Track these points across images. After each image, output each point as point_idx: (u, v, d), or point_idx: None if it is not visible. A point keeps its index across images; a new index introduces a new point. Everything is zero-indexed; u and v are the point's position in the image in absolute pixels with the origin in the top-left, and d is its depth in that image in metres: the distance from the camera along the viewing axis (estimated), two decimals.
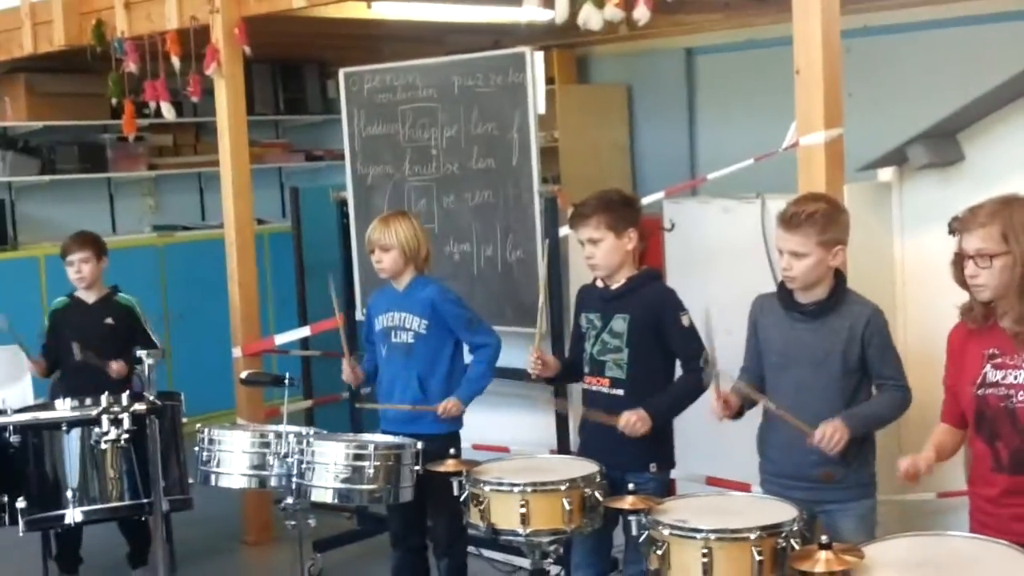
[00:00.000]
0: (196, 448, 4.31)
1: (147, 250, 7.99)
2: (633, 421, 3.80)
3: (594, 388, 3.98)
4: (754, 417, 3.66)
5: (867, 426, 3.52)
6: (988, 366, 2.97)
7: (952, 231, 2.99)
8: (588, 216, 3.92)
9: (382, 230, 4.34)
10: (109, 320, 5.33)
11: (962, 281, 2.99)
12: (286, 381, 4.39)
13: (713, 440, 3.78)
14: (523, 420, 5.35)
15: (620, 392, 3.91)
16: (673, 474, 4.81)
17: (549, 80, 7.04)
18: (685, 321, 3.92)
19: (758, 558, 3.04)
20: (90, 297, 5.35)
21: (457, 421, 4.39)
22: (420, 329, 4.36)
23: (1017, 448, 2.89)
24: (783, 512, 3.21)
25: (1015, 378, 2.92)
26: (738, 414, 3.66)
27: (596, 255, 3.93)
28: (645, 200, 5.02)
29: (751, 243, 4.80)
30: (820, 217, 3.44)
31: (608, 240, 3.91)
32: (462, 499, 3.70)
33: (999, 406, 2.94)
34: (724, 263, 4.95)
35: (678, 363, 3.98)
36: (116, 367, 5.07)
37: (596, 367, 3.98)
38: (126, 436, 4.46)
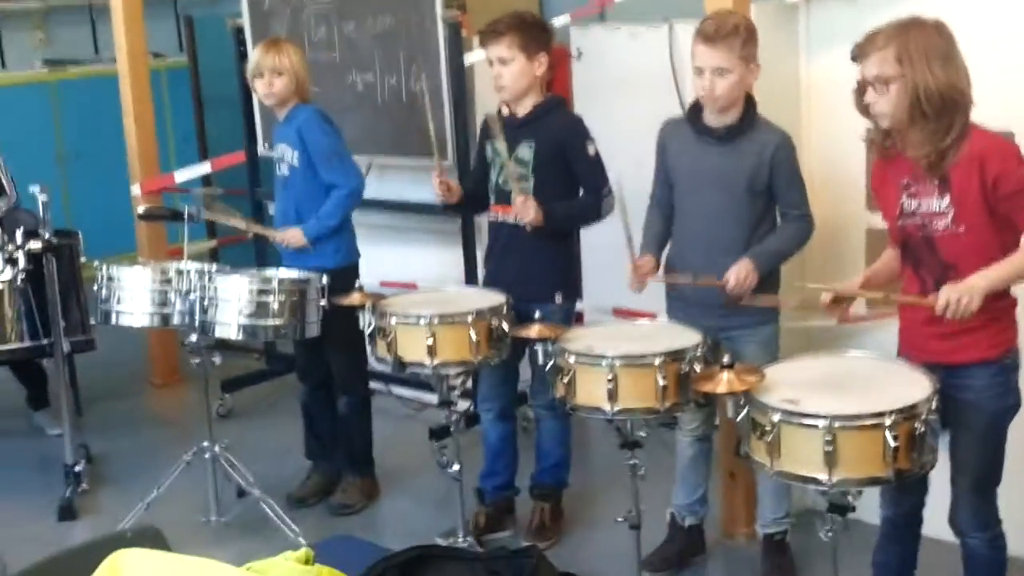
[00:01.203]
0: (95, 287, 4.20)
1: (38, 87, 7.70)
2: (529, 206, 3.74)
3: (500, 218, 3.93)
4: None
5: (774, 262, 3.54)
6: (904, 196, 2.95)
7: (854, 57, 2.94)
8: (501, 34, 3.80)
9: (273, 54, 4.16)
10: None
11: (864, 109, 2.95)
12: (186, 214, 4.27)
13: (619, 271, 3.76)
14: (431, 256, 5.30)
15: (529, 185, 3.85)
16: (580, 306, 4.84)
17: None
18: (591, 150, 3.87)
19: (662, 382, 3.08)
20: None
21: (352, 251, 4.32)
22: (293, 161, 4.23)
23: (939, 276, 2.89)
24: (687, 338, 3.24)
25: (928, 207, 2.90)
26: (657, 267, 3.65)
27: (504, 76, 3.83)
28: (552, 24, 4.92)
29: (659, 69, 4.73)
30: (742, 29, 3.39)
31: (518, 61, 3.81)
32: (368, 333, 3.66)
33: (918, 235, 2.93)
34: (632, 90, 4.88)
35: None
36: None
37: (502, 196, 3.92)
38: (22, 276, 4.38)
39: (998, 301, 2.87)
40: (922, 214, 2.92)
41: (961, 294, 2.75)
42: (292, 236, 4.19)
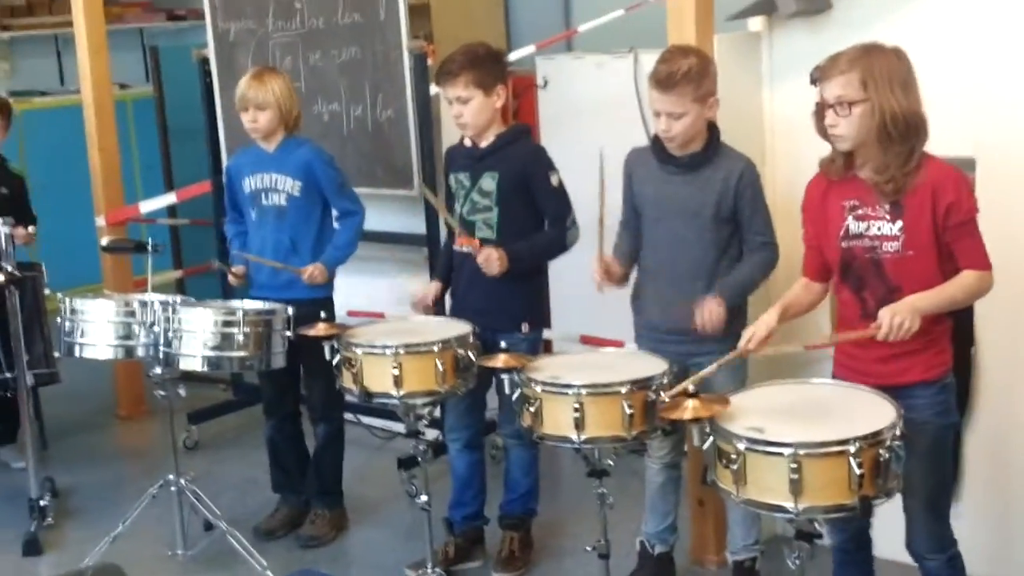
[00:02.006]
0: (59, 319, 4.17)
1: None
2: (493, 257, 3.75)
3: (465, 249, 3.92)
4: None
5: (741, 294, 3.56)
6: (850, 218, 2.98)
7: (814, 80, 2.97)
8: (456, 75, 3.80)
9: (256, 87, 4.15)
10: (4, 190, 5.12)
11: (823, 131, 2.98)
12: (149, 247, 4.24)
13: (586, 299, 3.77)
14: (398, 285, 5.29)
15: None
16: (548, 334, 4.85)
17: None
18: (554, 180, 3.87)
19: (629, 411, 3.08)
20: None
21: (328, 286, 4.30)
22: (294, 191, 4.23)
23: (883, 297, 2.93)
24: (653, 366, 3.24)
25: (878, 229, 2.94)
26: (624, 278, 3.65)
27: (465, 114, 3.83)
28: (517, 55, 4.95)
29: (624, 98, 4.76)
30: (694, 74, 3.40)
31: (477, 99, 3.81)
32: (335, 363, 3.64)
33: (865, 257, 2.97)
34: (598, 119, 4.90)
35: None
36: (23, 233, 4.79)
37: (466, 228, 3.92)
38: None
39: (936, 325, 2.94)
40: (871, 236, 2.95)
41: (902, 316, 2.81)
42: (319, 272, 4.19)
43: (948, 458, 3.06)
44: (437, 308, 4.05)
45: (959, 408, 3.55)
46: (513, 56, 5.03)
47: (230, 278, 4.35)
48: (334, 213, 4.34)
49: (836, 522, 3.03)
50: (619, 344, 4.04)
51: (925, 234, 2.89)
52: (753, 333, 3.07)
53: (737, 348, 3.10)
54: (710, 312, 3.43)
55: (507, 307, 3.86)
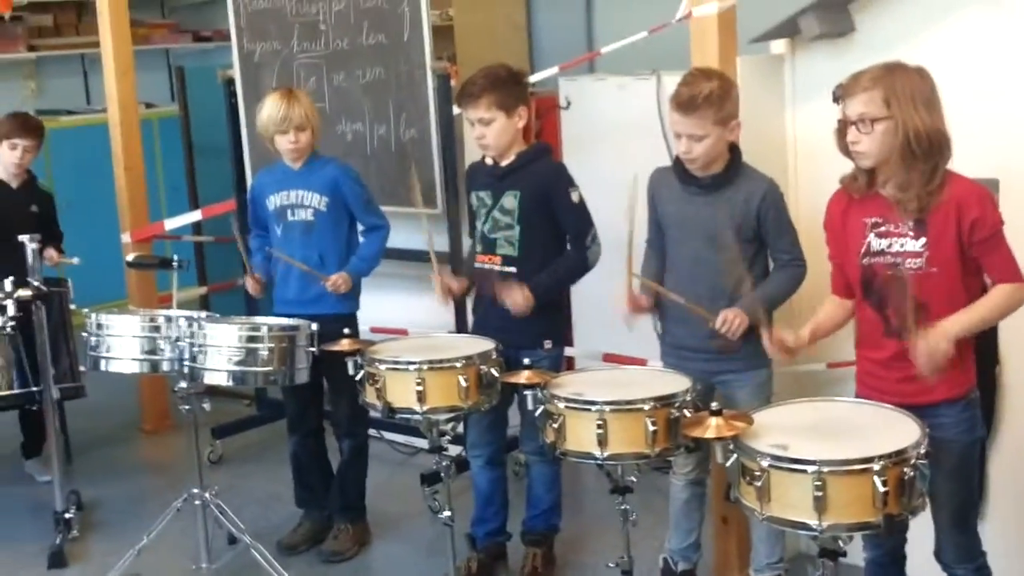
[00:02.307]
0: (84, 334, 4.21)
1: None
2: (519, 300, 3.80)
3: (486, 266, 3.95)
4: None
5: (766, 307, 3.55)
6: (872, 235, 3.00)
7: (836, 98, 2.99)
8: (478, 96, 3.84)
9: (296, 107, 4.19)
10: (34, 208, 5.18)
11: (845, 149, 3.00)
12: (174, 264, 4.29)
13: (610, 316, 3.79)
14: (421, 302, 5.30)
15: (512, 269, 3.90)
16: (571, 351, 4.87)
17: None
18: (575, 197, 3.90)
19: (652, 428, 3.08)
20: (14, 183, 5.18)
21: (353, 302, 4.35)
22: (321, 207, 4.28)
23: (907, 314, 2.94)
24: (676, 383, 3.25)
25: (901, 246, 2.95)
26: (651, 307, 3.67)
27: (487, 135, 3.87)
28: (540, 76, 4.98)
29: (647, 120, 4.79)
30: (715, 97, 3.42)
31: (499, 120, 3.85)
32: (358, 379, 3.67)
33: (887, 274, 2.98)
34: (620, 140, 4.94)
35: None
36: (55, 255, 4.84)
37: (488, 245, 3.95)
38: (12, 324, 4.40)
39: (962, 345, 2.95)
40: (893, 253, 2.96)
41: (938, 342, 2.84)
42: (342, 281, 4.24)
43: (975, 474, 3.08)
44: (459, 321, 4.07)
45: (984, 427, 3.57)
46: (536, 77, 5.05)
47: (248, 285, 4.38)
48: (360, 228, 4.38)
49: (871, 538, 3.05)
50: (642, 362, 4.06)
51: (949, 251, 2.91)
52: (779, 336, 3.12)
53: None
54: (732, 319, 3.44)
55: (529, 325, 3.88)
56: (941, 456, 2.73)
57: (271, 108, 4.23)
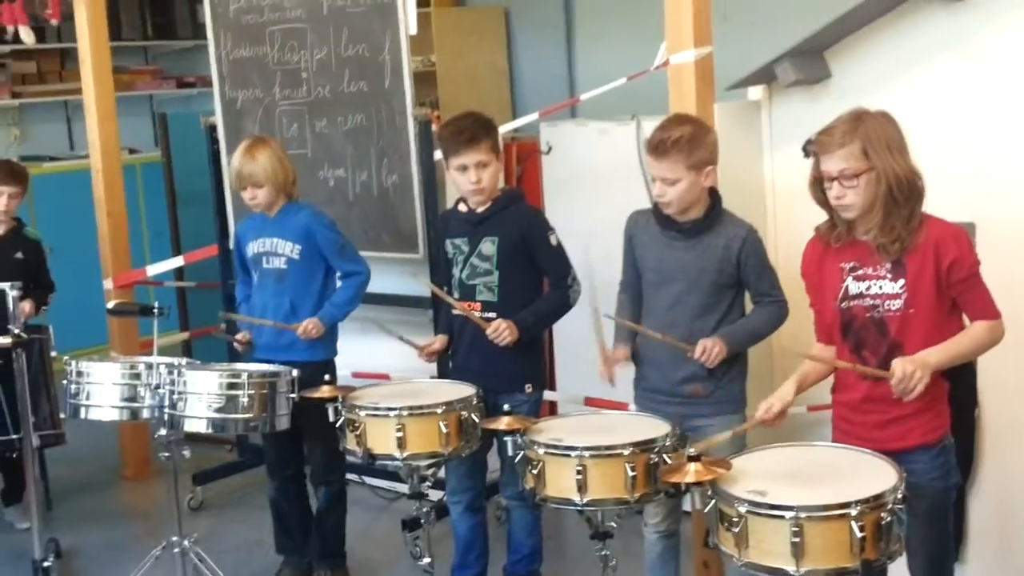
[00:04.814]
0: (65, 382, 4.20)
1: None
2: (502, 329, 3.81)
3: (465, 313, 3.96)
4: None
5: (745, 341, 3.58)
6: (849, 279, 3.02)
7: (807, 153, 3.01)
8: (480, 140, 3.87)
9: (249, 164, 4.22)
10: (19, 255, 5.16)
11: (823, 202, 3.02)
12: (155, 311, 4.28)
13: (590, 361, 3.80)
14: (403, 347, 5.30)
15: (492, 315, 3.91)
16: (552, 396, 4.87)
17: (425, 3, 6.93)
18: (553, 240, 3.94)
19: (631, 473, 3.08)
20: None
21: (328, 349, 4.34)
22: (293, 254, 4.29)
23: (885, 355, 2.96)
24: (656, 428, 3.25)
25: (880, 288, 2.97)
26: (628, 355, 3.68)
27: (484, 179, 3.89)
28: (521, 121, 5.02)
29: (627, 164, 4.82)
30: (686, 142, 3.44)
31: (493, 164, 3.91)
32: (338, 425, 3.66)
33: (865, 316, 3.00)
34: (601, 185, 4.96)
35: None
36: (27, 308, 4.82)
37: (466, 292, 3.97)
38: None
39: (933, 386, 2.93)
40: (872, 296, 2.98)
41: (915, 367, 2.84)
42: (313, 326, 4.22)
43: (949, 520, 3.07)
44: (440, 367, 4.08)
45: (964, 469, 3.58)
46: (518, 123, 5.10)
47: (236, 344, 4.40)
48: (338, 274, 4.39)
49: None
50: (623, 406, 4.06)
51: (927, 292, 2.93)
52: (770, 406, 3.10)
53: (754, 418, 3.12)
54: (711, 347, 3.45)
55: (509, 369, 3.89)
56: (915, 502, 2.74)
57: (234, 162, 4.29)
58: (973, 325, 2.97)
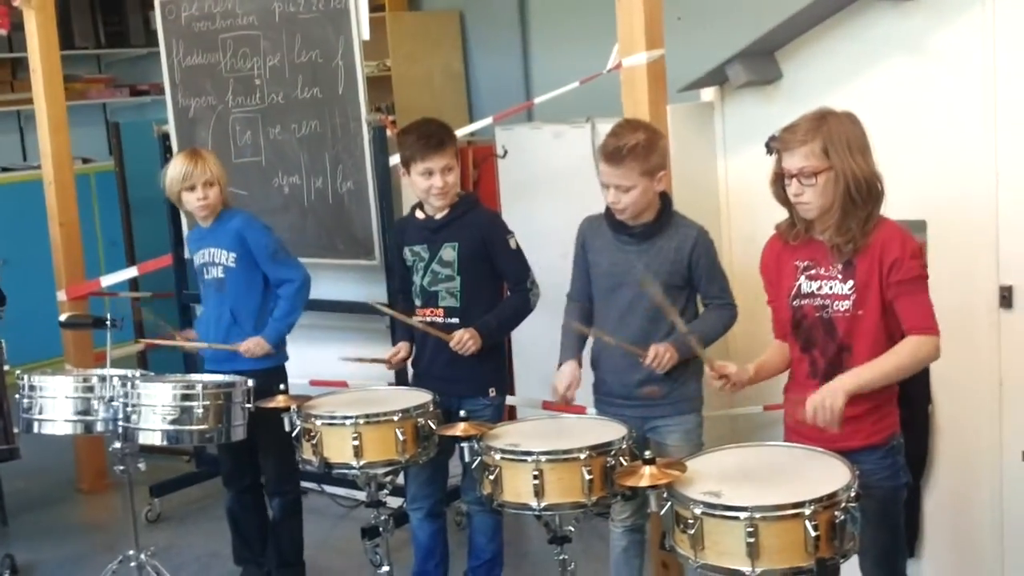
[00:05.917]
0: (18, 396, 4.15)
1: None
2: (466, 339, 3.80)
3: (428, 320, 3.95)
4: (589, 342, 3.68)
5: (697, 341, 3.57)
6: (802, 278, 3.03)
7: (770, 150, 3.01)
8: (447, 144, 3.87)
9: (200, 163, 4.18)
10: None
11: (782, 199, 3.02)
12: (108, 323, 4.24)
13: (548, 365, 3.80)
14: (359, 354, 5.28)
15: (455, 320, 3.90)
16: (511, 400, 4.86)
17: (379, 7, 6.90)
18: (512, 244, 3.94)
19: (588, 477, 3.08)
20: None
21: (280, 354, 4.30)
22: (229, 263, 4.22)
23: (833, 356, 2.97)
24: (612, 431, 3.25)
25: (830, 288, 2.98)
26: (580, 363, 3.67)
27: (450, 182, 3.88)
28: (477, 125, 5.01)
29: (582, 167, 4.82)
30: (641, 148, 3.45)
31: (456, 168, 3.91)
32: (294, 435, 3.64)
33: (815, 316, 3.01)
34: (557, 187, 4.96)
35: None
36: None
37: (428, 298, 3.95)
38: None
39: (880, 391, 2.95)
40: (823, 295, 3.00)
41: (824, 397, 2.85)
42: (255, 345, 4.17)
43: (899, 519, 3.07)
44: (397, 373, 4.06)
45: (918, 466, 3.59)
46: (473, 127, 5.09)
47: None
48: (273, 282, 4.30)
49: None
50: (582, 410, 4.06)
51: (874, 294, 2.93)
52: (725, 364, 3.13)
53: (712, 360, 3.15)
54: (662, 353, 3.46)
55: (472, 374, 3.89)
56: (864, 502, 2.75)
57: (176, 168, 4.22)
58: (904, 340, 2.92)
